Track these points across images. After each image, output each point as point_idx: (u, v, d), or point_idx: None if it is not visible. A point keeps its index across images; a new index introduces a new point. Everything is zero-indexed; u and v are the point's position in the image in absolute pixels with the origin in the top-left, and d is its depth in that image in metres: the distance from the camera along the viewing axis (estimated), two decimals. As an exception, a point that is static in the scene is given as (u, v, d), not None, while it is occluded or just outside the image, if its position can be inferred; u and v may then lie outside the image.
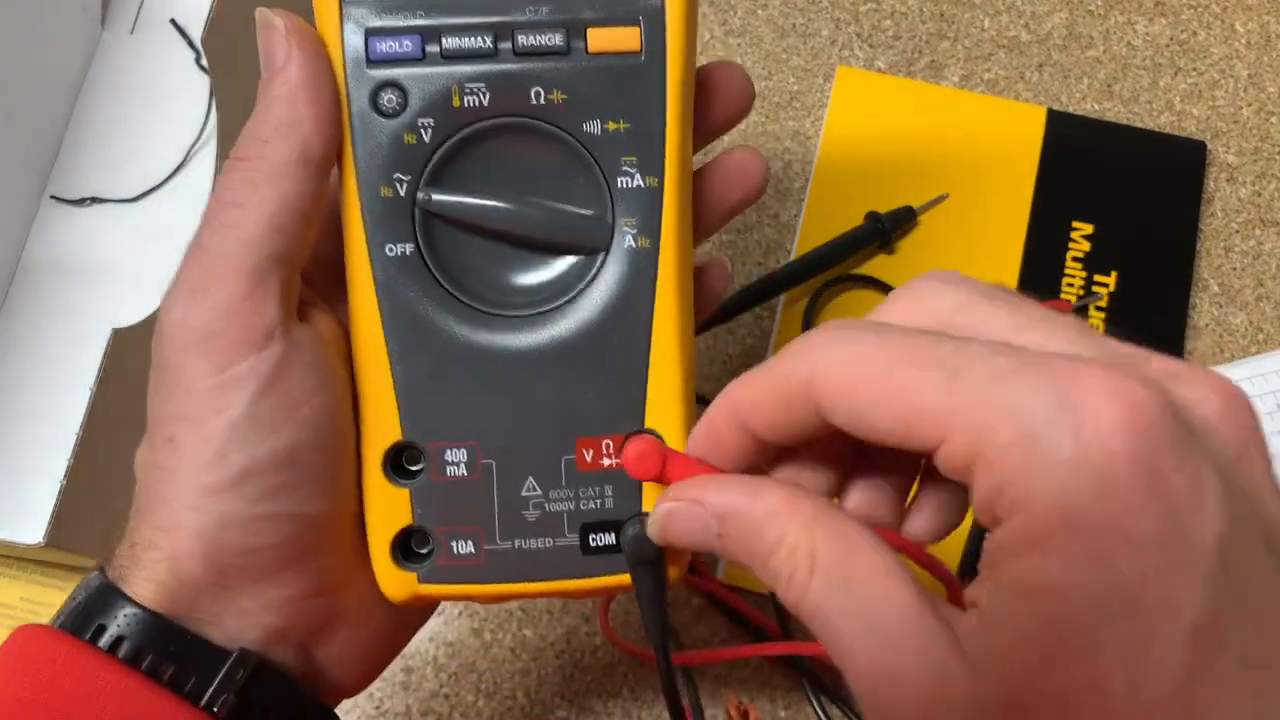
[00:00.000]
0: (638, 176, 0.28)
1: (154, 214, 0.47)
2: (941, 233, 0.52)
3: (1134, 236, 0.52)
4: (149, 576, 0.27)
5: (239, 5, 0.47)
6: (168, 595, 0.27)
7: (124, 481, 0.43)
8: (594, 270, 0.29)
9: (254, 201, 0.27)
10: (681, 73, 0.28)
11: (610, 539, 0.29)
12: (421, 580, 0.30)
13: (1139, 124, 0.54)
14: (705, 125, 0.31)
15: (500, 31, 0.28)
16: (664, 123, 0.28)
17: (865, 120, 0.54)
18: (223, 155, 0.46)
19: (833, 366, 0.22)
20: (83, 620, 0.27)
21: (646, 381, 0.29)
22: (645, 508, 0.29)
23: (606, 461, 0.29)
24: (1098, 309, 0.51)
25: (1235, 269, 0.52)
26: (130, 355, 0.42)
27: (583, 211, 0.29)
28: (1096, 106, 0.55)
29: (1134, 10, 0.57)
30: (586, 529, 0.29)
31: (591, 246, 0.29)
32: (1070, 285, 0.51)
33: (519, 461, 0.29)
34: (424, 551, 0.30)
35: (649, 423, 0.29)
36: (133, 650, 0.27)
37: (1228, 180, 0.53)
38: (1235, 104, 0.55)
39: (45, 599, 0.48)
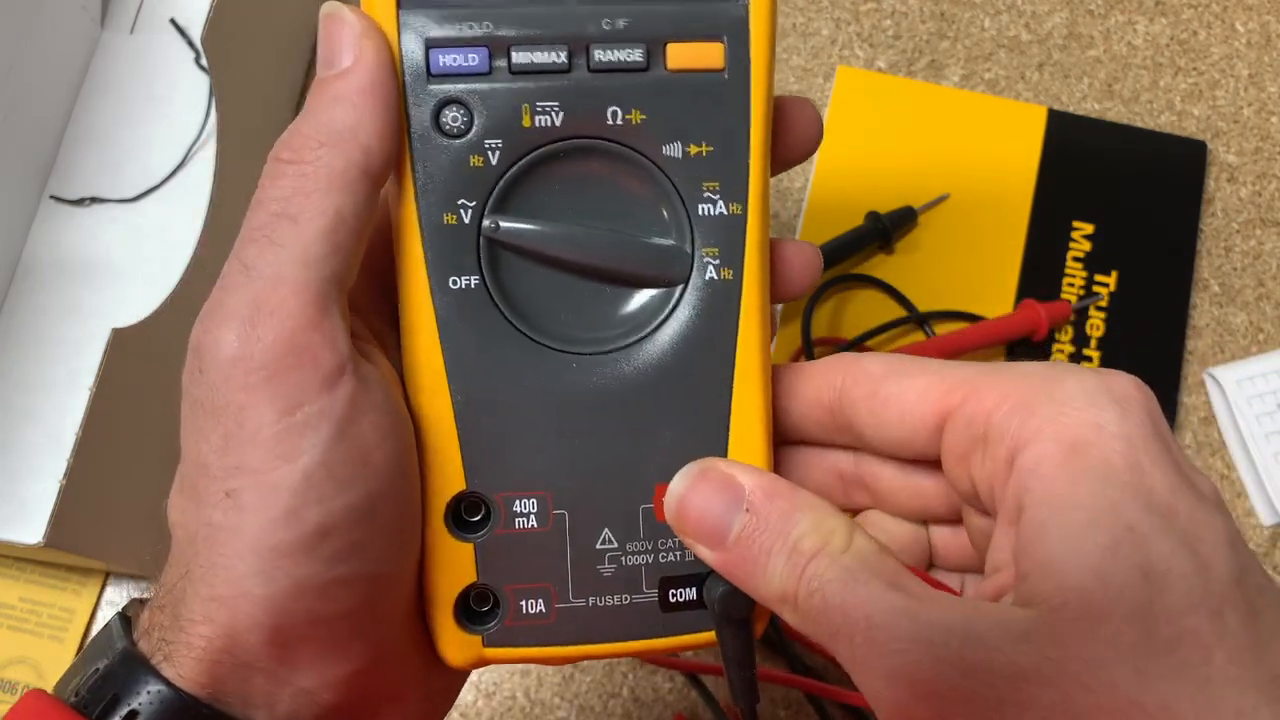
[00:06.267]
0: (720, 204, 0.26)
1: (153, 214, 0.47)
2: (942, 233, 0.52)
3: (1134, 236, 0.52)
4: (199, 656, 0.23)
5: (239, 5, 0.47)
6: (216, 676, 0.23)
7: (124, 481, 0.43)
8: (672, 304, 0.27)
9: (309, 214, 0.24)
10: (765, 93, 0.26)
11: (692, 594, 0.27)
12: (487, 644, 0.27)
13: (1139, 124, 0.54)
14: (775, 159, 0.28)
15: (575, 46, 0.25)
16: (748, 146, 0.26)
17: (865, 120, 0.54)
18: (223, 155, 0.46)
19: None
20: (107, 701, 0.23)
21: (729, 424, 0.27)
22: None
23: None
24: (1098, 309, 0.51)
25: (1235, 269, 0.52)
26: (130, 355, 0.42)
27: (661, 241, 0.27)
28: (1097, 106, 0.55)
29: (1134, 10, 0.57)
30: (666, 584, 0.27)
31: (670, 279, 0.27)
32: (1071, 285, 0.51)
33: (594, 511, 0.27)
34: (485, 610, 0.27)
35: None
36: None
37: (1228, 180, 0.53)
38: (1236, 104, 0.55)
39: (44, 599, 0.48)
